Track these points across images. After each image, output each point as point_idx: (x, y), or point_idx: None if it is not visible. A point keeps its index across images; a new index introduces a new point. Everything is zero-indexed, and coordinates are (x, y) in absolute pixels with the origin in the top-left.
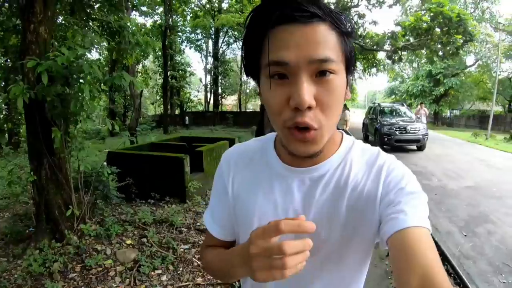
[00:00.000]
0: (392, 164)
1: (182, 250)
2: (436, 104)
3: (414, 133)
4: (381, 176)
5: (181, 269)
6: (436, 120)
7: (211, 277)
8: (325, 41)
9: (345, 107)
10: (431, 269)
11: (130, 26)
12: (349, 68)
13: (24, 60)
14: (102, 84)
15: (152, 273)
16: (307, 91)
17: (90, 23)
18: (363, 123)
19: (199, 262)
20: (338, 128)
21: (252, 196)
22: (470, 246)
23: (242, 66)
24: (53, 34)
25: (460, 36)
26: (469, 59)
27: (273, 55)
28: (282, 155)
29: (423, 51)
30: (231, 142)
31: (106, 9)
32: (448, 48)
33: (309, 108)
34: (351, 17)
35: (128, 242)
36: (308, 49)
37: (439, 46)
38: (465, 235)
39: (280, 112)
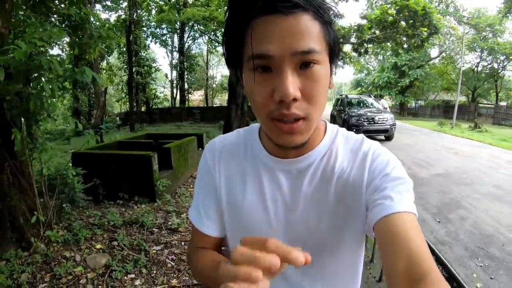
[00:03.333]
0: (377, 150)
1: (155, 251)
2: (402, 95)
3: (382, 123)
4: (366, 163)
5: (154, 271)
6: (402, 111)
7: (187, 278)
8: (308, 32)
9: None
10: (418, 253)
11: (93, 20)
12: (333, 57)
13: None
14: (64, 81)
15: (125, 277)
16: (292, 83)
17: (52, 18)
18: (331, 115)
19: (172, 264)
20: None
21: (240, 188)
22: (444, 232)
23: (217, 58)
24: (11, 30)
25: (425, 29)
26: (434, 51)
27: (256, 48)
28: (268, 147)
29: (388, 43)
30: (199, 138)
31: (67, 2)
32: (413, 40)
33: (294, 100)
34: (332, 5)
35: (98, 246)
36: (292, 41)
37: (405, 38)
38: (439, 221)
39: (265, 105)
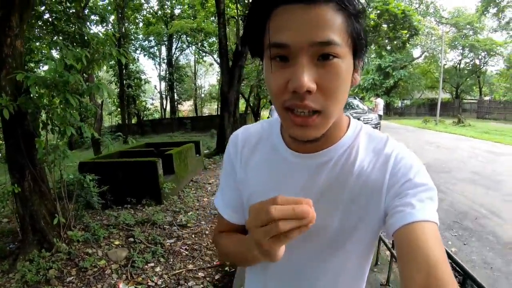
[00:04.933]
0: (401, 153)
1: (169, 244)
2: (387, 96)
3: (367, 123)
4: (388, 166)
5: (171, 259)
6: (388, 111)
7: (201, 263)
8: (329, 23)
9: None
10: (437, 266)
11: (103, 37)
12: (357, 52)
13: (1, 73)
14: (82, 96)
15: (146, 266)
16: (307, 74)
17: (60, 37)
18: None
19: (187, 253)
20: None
21: (258, 179)
22: None
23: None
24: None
25: (406, 31)
26: (416, 52)
27: (274, 37)
28: (287, 140)
29: (371, 46)
30: (197, 145)
31: (73, 21)
32: (395, 42)
33: (309, 92)
34: None
35: (117, 243)
36: (310, 31)
37: (387, 41)
38: None
39: (280, 95)
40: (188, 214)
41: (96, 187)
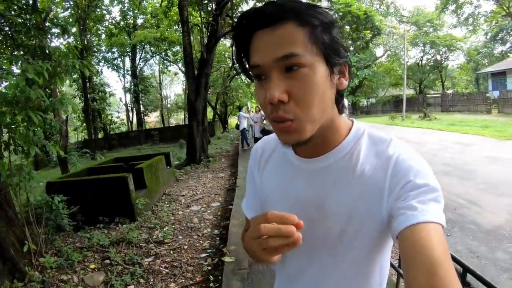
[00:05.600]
0: (402, 154)
1: (147, 263)
2: (353, 95)
3: None
4: (388, 168)
5: (152, 279)
6: (354, 110)
7: (183, 280)
8: (290, 39)
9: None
10: (440, 266)
11: (65, 50)
12: (330, 59)
13: None
14: (45, 112)
15: None
16: (277, 87)
17: (21, 51)
18: None
19: (167, 271)
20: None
21: (271, 184)
22: None
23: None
24: None
25: (369, 32)
26: (379, 51)
27: (251, 60)
28: (295, 147)
29: None
30: (167, 157)
31: (34, 34)
32: (358, 43)
33: (283, 102)
34: (321, 10)
35: (92, 266)
36: (274, 49)
37: (350, 42)
38: None
39: (264, 108)
40: (164, 229)
41: (65, 209)
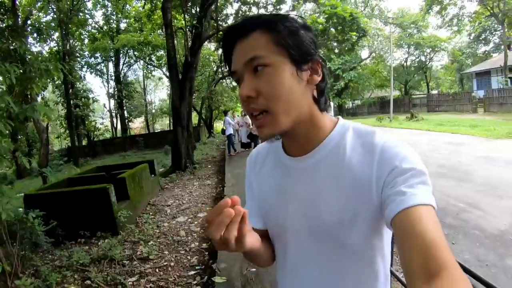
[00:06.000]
0: (386, 143)
1: (131, 283)
2: (339, 97)
3: None
4: (374, 157)
5: None
6: (340, 112)
7: None
8: (255, 44)
9: None
10: (434, 247)
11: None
12: (295, 57)
13: None
14: (16, 120)
15: None
16: (245, 86)
17: None
18: None
19: None
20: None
21: (267, 187)
22: None
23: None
24: None
25: (355, 33)
26: (364, 53)
27: (232, 67)
28: (286, 148)
29: (320, 50)
30: (151, 164)
31: (7, 36)
32: (344, 45)
33: (251, 98)
34: (292, 17)
35: None
36: (243, 56)
37: (336, 44)
38: None
39: (243, 107)
40: (149, 244)
41: (41, 225)
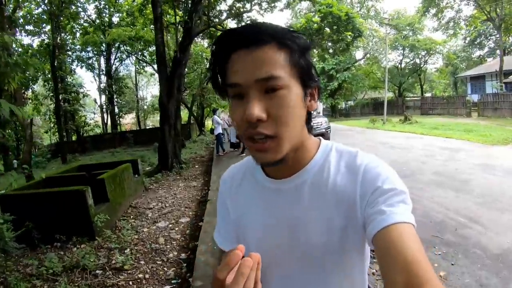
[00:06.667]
0: (369, 164)
1: None
2: (332, 98)
3: (318, 127)
4: (358, 177)
5: None
6: (333, 113)
7: None
8: (271, 61)
9: None
10: (415, 264)
11: (15, 47)
12: (305, 81)
13: None
14: None
15: None
16: (256, 106)
17: None
18: None
19: None
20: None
21: (246, 211)
22: None
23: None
24: None
25: (350, 33)
26: (358, 54)
27: (229, 79)
28: (266, 169)
29: (314, 50)
30: (134, 164)
31: None
32: (338, 45)
33: (261, 121)
34: (299, 35)
35: None
36: (255, 70)
37: (330, 44)
38: None
39: (240, 126)
40: (125, 252)
41: (10, 230)
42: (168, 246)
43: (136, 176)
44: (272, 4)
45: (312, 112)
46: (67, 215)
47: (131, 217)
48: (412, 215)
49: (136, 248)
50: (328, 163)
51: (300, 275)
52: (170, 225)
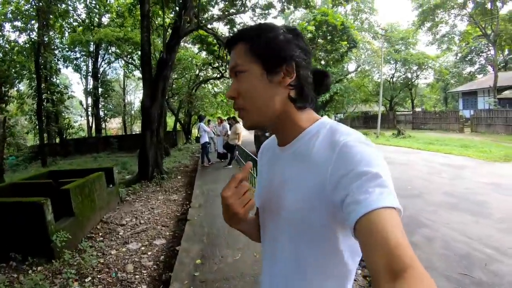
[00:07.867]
0: (347, 142)
1: None
2: (323, 110)
3: None
4: (333, 155)
5: None
6: None
7: None
8: (237, 54)
9: (235, 120)
10: (397, 248)
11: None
12: (266, 63)
13: None
14: None
15: None
16: (230, 89)
17: None
18: (255, 135)
19: None
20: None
21: (265, 173)
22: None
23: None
24: None
25: (345, 43)
26: (351, 66)
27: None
28: (277, 139)
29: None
30: (108, 172)
31: None
32: (332, 55)
33: (235, 98)
34: (277, 27)
35: None
36: (230, 63)
37: (323, 54)
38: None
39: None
40: (86, 281)
41: None
42: (137, 276)
43: (111, 186)
44: (266, 11)
45: (302, 89)
46: (23, 230)
47: (100, 234)
48: (393, 197)
49: (99, 276)
50: (317, 137)
51: (284, 243)
52: (143, 248)
